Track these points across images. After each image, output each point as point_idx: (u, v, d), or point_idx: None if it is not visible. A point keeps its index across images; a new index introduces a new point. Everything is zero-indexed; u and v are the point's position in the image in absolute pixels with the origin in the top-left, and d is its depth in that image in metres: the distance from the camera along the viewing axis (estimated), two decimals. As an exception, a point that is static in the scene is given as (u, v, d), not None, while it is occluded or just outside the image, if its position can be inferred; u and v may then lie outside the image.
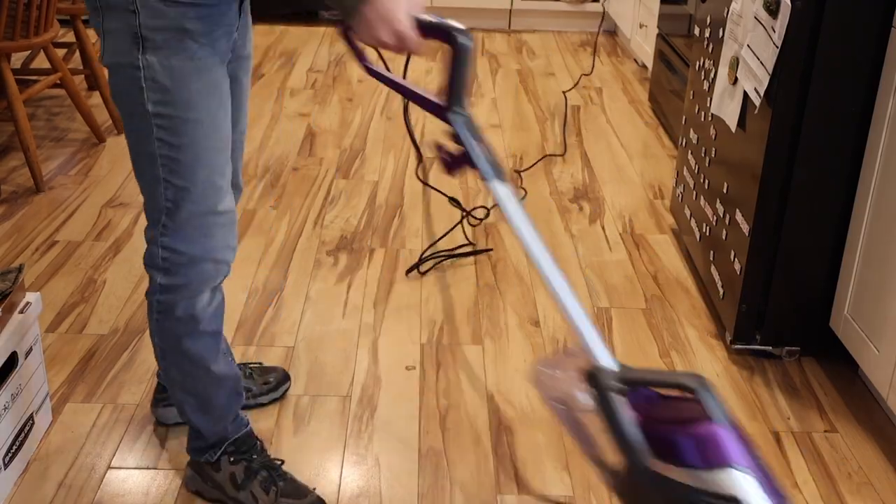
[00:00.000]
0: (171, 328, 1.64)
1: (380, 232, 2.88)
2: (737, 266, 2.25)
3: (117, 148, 3.48)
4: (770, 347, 2.30)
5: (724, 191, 2.36)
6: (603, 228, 2.96)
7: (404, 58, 1.70)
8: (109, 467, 1.88)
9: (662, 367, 2.27)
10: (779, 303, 2.22)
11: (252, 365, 2.11)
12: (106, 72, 1.62)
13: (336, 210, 3.02)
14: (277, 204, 3.04)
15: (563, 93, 4.19)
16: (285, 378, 2.12)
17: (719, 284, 2.37)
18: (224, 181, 1.57)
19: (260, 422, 2.01)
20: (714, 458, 1.21)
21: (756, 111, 2.15)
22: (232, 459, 1.76)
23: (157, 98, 1.45)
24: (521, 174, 3.34)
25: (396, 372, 2.20)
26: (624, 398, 1.26)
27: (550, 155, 3.52)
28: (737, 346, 2.30)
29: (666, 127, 3.78)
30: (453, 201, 2.91)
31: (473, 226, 2.92)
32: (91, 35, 3.82)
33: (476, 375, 2.21)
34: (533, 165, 3.42)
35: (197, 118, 1.48)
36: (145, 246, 1.61)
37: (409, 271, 2.64)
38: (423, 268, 2.66)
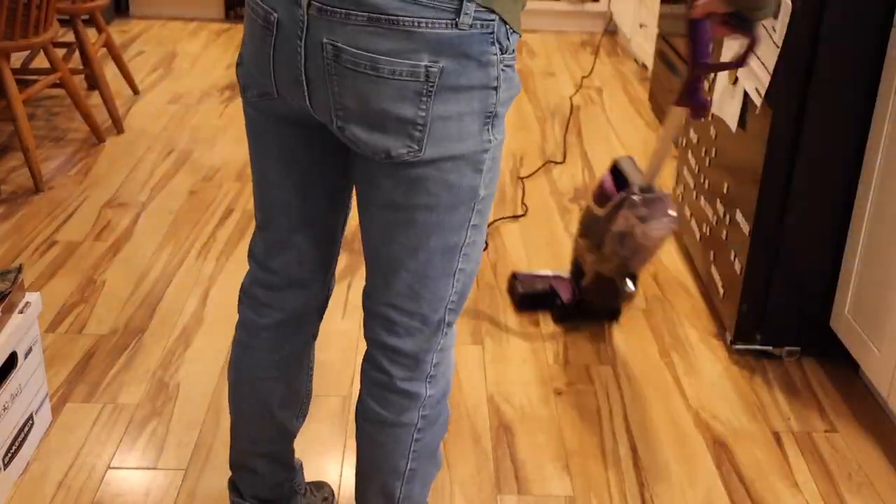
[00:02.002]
0: (429, 441, 1.42)
1: (380, 232, 2.87)
2: (737, 266, 2.24)
3: (117, 148, 3.48)
4: (770, 347, 2.29)
5: (725, 191, 2.36)
6: (603, 228, 2.96)
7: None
8: (109, 467, 1.88)
9: (663, 368, 2.27)
10: (779, 303, 2.22)
11: (307, 484, 1.79)
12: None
13: (336, 210, 3.02)
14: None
15: (570, 98, 4.18)
16: (332, 494, 1.82)
17: (719, 284, 2.37)
18: None
19: (260, 422, 2.01)
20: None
21: (756, 111, 2.14)
22: None
23: (489, 179, 1.27)
24: (524, 181, 3.34)
25: (396, 372, 2.20)
26: None
27: (551, 162, 3.52)
28: (737, 347, 2.30)
29: (666, 127, 3.78)
30: None
31: None
32: (91, 35, 3.82)
33: (476, 375, 2.20)
34: (535, 172, 3.42)
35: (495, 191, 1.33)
36: (396, 362, 1.37)
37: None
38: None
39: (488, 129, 1.22)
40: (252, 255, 1.48)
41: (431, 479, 1.49)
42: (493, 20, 1.15)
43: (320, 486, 1.81)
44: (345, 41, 1.13)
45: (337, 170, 1.36)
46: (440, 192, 1.23)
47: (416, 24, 1.12)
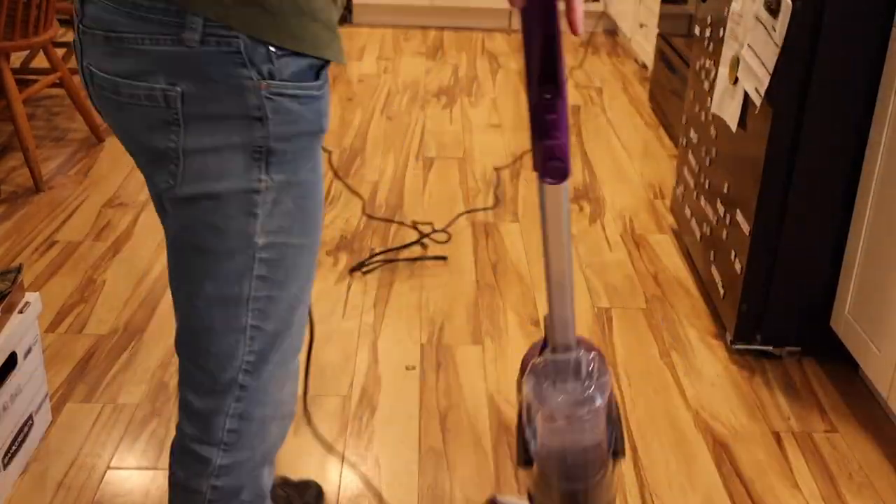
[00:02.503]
0: None
1: (380, 232, 2.88)
2: (737, 266, 2.24)
3: (117, 148, 3.48)
4: (770, 347, 2.29)
5: (725, 191, 2.36)
6: (603, 228, 2.96)
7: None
8: (109, 467, 1.88)
9: (663, 368, 2.27)
10: (779, 303, 2.22)
11: (288, 484, 1.74)
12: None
13: (336, 210, 3.02)
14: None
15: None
16: (320, 494, 1.77)
17: (720, 284, 2.37)
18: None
19: (260, 422, 2.01)
20: None
21: (756, 111, 2.14)
22: None
23: (274, 227, 1.09)
24: (499, 172, 3.34)
25: (396, 372, 2.20)
26: None
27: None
28: (737, 346, 2.30)
29: (666, 127, 3.78)
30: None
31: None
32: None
33: (476, 375, 2.20)
34: (512, 163, 3.42)
35: (306, 244, 1.13)
36: (183, 418, 1.23)
37: (353, 270, 2.64)
38: (367, 268, 2.66)
39: (260, 168, 1.05)
40: None
41: None
42: (234, 38, 0.98)
43: (305, 487, 1.79)
44: (95, 64, 1.03)
45: None
46: (206, 234, 1.08)
47: (141, 40, 0.99)
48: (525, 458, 1.31)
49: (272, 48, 1.00)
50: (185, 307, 1.15)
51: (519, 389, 1.34)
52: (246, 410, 1.19)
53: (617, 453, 1.31)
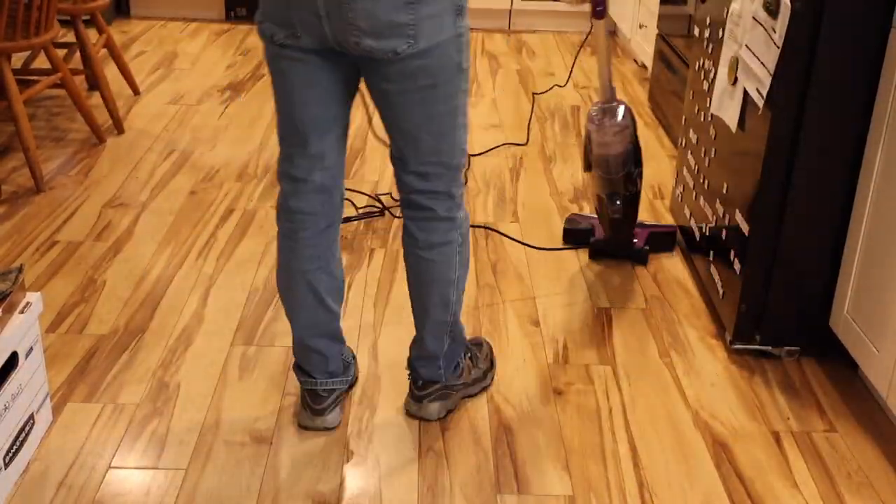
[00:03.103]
0: (466, 253, 1.91)
1: (380, 232, 2.88)
2: (737, 266, 2.25)
3: (117, 148, 3.49)
4: (770, 347, 2.30)
5: (724, 191, 2.36)
6: (603, 228, 2.96)
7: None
8: (109, 467, 1.88)
9: (662, 368, 2.27)
10: (779, 303, 2.22)
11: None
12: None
13: (336, 210, 3.02)
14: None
15: (533, 94, 4.19)
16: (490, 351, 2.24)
17: (719, 284, 2.37)
18: None
19: (259, 422, 2.01)
20: None
21: (756, 111, 2.15)
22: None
23: (467, 55, 1.71)
24: (471, 158, 3.34)
25: (396, 372, 2.20)
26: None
27: (511, 143, 3.52)
28: (736, 347, 2.31)
29: (666, 127, 3.78)
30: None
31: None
32: (92, 35, 3.82)
33: (476, 375, 2.20)
34: (490, 150, 3.42)
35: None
36: (447, 200, 1.83)
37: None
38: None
39: (459, 19, 1.67)
40: (287, 175, 1.83)
41: (465, 281, 1.96)
42: None
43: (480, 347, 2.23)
44: None
45: (348, 81, 1.76)
46: (437, 71, 1.67)
47: None
48: (587, 165, 2.60)
49: None
50: (425, 128, 1.73)
51: (587, 132, 2.57)
52: (461, 180, 1.85)
53: (637, 164, 2.55)
